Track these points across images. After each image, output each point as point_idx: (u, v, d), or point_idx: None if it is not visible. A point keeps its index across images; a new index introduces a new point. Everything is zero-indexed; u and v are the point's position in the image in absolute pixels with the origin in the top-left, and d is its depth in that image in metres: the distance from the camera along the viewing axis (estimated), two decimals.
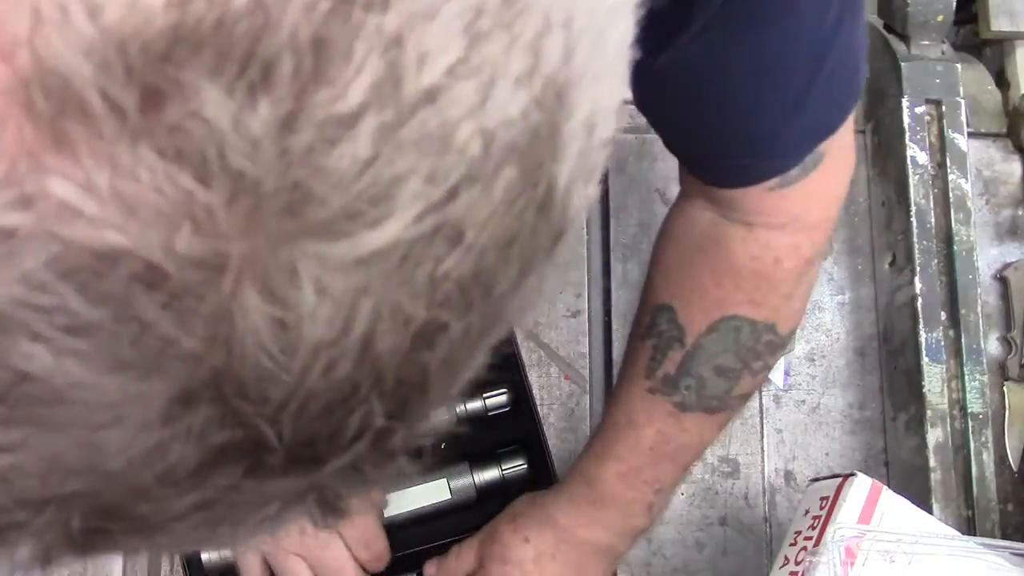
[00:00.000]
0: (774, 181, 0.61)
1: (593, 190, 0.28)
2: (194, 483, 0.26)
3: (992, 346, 0.92)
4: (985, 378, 0.86)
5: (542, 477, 0.83)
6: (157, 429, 0.24)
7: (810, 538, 0.70)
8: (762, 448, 0.91)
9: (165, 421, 0.24)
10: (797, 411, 0.92)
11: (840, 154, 0.63)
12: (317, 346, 0.24)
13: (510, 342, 0.86)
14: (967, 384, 0.86)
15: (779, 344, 0.69)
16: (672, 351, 0.69)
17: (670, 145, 0.65)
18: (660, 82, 0.52)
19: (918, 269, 0.88)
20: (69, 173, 0.21)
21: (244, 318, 0.23)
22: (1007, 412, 0.90)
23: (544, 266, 0.28)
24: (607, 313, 0.92)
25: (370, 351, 0.24)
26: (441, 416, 0.29)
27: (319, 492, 0.28)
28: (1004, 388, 0.91)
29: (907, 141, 0.91)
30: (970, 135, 0.93)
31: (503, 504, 0.79)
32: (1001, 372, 0.92)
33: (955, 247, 0.89)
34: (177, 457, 0.25)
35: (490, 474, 0.83)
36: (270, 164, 0.22)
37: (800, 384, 0.93)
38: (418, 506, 0.82)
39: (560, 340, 0.91)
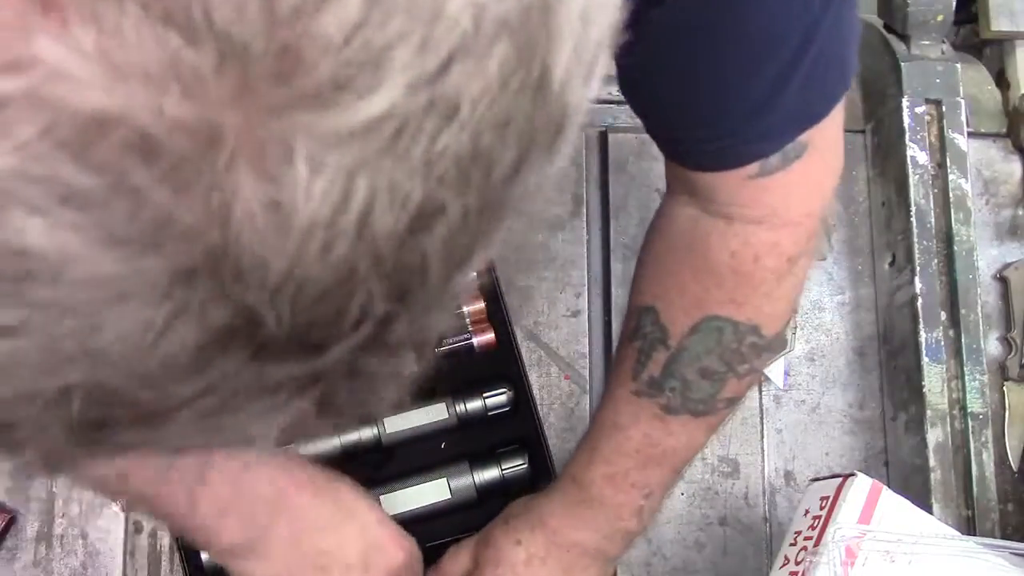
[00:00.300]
0: (754, 168, 0.60)
1: (591, 92, 0.28)
2: (196, 367, 0.25)
3: (992, 346, 0.92)
4: (985, 378, 0.86)
5: (542, 477, 0.83)
6: (156, 309, 0.24)
7: (810, 538, 0.70)
8: (762, 448, 0.91)
9: (164, 301, 0.24)
10: (797, 411, 0.92)
11: (825, 148, 0.63)
12: (312, 225, 0.23)
13: (510, 342, 0.86)
14: (967, 384, 0.86)
15: (763, 346, 0.69)
16: (656, 353, 0.69)
17: (653, 129, 0.64)
18: (649, 44, 0.52)
19: (918, 269, 0.88)
20: (57, 34, 0.21)
21: (238, 195, 0.23)
22: (1007, 412, 0.90)
23: (544, 161, 0.27)
24: (607, 313, 0.92)
25: (367, 231, 0.24)
26: (444, 318, 0.29)
27: (324, 384, 0.28)
28: (1004, 388, 0.91)
29: (907, 141, 0.91)
30: (970, 135, 0.93)
31: (503, 504, 0.79)
32: (1001, 372, 0.92)
33: (955, 247, 0.89)
34: (178, 339, 0.24)
35: (490, 474, 0.83)
36: (257, 25, 0.22)
37: (800, 384, 0.93)
38: (418, 506, 0.82)
39: (560, 340, 0.91)
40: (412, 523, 0.80)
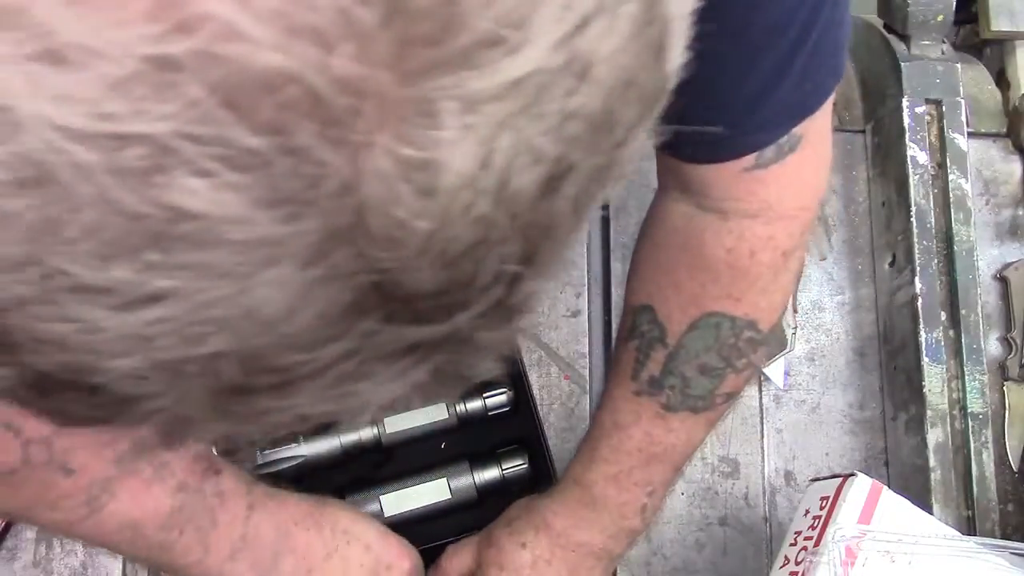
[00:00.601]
0: (749, 160, 0.60)
1: (679, 62, 0.28)
2: (340, 329, 0.25)
3: (992, 346, 0.92)
4: (985, 378, 0.86)
5: (542, 477, 0.83)
6: (306, 270, 0.24)
7: (810, 538, 0.70)
8: (762, 448, 0.91)
9: (314, 262, 0.24)
10: (797, 411, 0.92)
11: (818, 141, 0.63)
12: (457, 186, 0.23)
13: None
14: (967, 384, 0.86)
15: (760, 341, 0.69)
16: (655, 351, 0.69)
17: None
18: None
19: (918, 269, 0.88)
20: None
21: (387, 155, 0.23)
22: (1007, 412, 0.90)
23: (646, 126, 0.27)
24: (607, 313, 0.92)
25: (506, 190, 0.24)
26: (550, 286, 0.29)
27: (444, 351, 0.28)
28: (1004, 388, 0.91)
29: (907, 141, 0.91)
30: (970, 135, 0.93)
31: (503, 504, 0.79)
32: (1001, 372, 0.92)
33: (955, 247, 0.89)
34: (325, 301, 0.24)
35: (490, 474, 0.83)
36: None
37: (800, 384, 0.93)
38: (419, 506, 0.82)
39: (560, 340, 0.91)
40: (412, 523, 0.80)
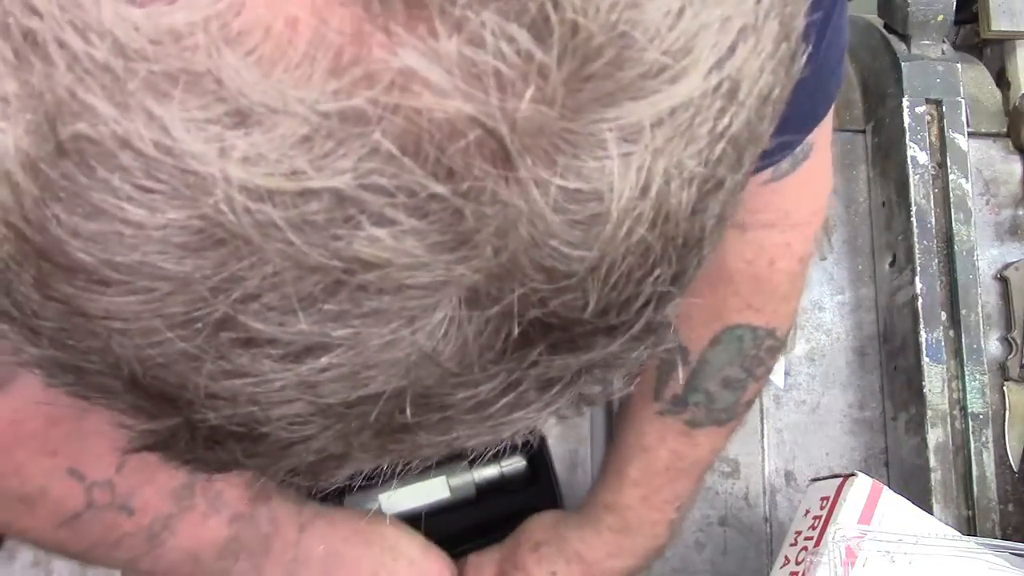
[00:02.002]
0: (766, 173, 0.61)
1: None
2: (506, 363, 0.26)
3: (992, 346, 0.92)
4: (985, 378, 0.86)
5: (541, 474, 0.83)
6: (475, 309, 0.24)
7: (811, 538, 0.70)
8: (762, 448, 0.91)
9: (482, 299, 0.24)
10: (797, 411, 0.92)
11: (824, 146, 0.63)
12: (620, 215, 0.24)
13: None
14: (967, 384, 0.86)
15: (779, 347, 0.69)
16: (676, 369, 0.69)
17: None
18: None
19: (918, 269, 0.88)
20: (416, 44, 0.21)
21: (554, 187, 0.23)
22: (1007, 412, 0.90)
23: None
24: None
25: (662, 214, 0.24)
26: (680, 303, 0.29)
27: (591, 374, 0.28)
28: (1004, 388, 0.91)
29: (907, 141, 0.91)
30: (970, 135, 0.93)
31: (502, 501, 0.79)
32: (1001, 372, 0.91)
33: (955, 247, 0.88)
34: (492, 336, 0.25)
35: (489, 471, 0.83)
36: (601, 15, 0.22)
37: (800, 384, 0.93)
38: (417, 504, 0.82)
39: None
40: (411, 521, 0.80)
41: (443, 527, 0.82)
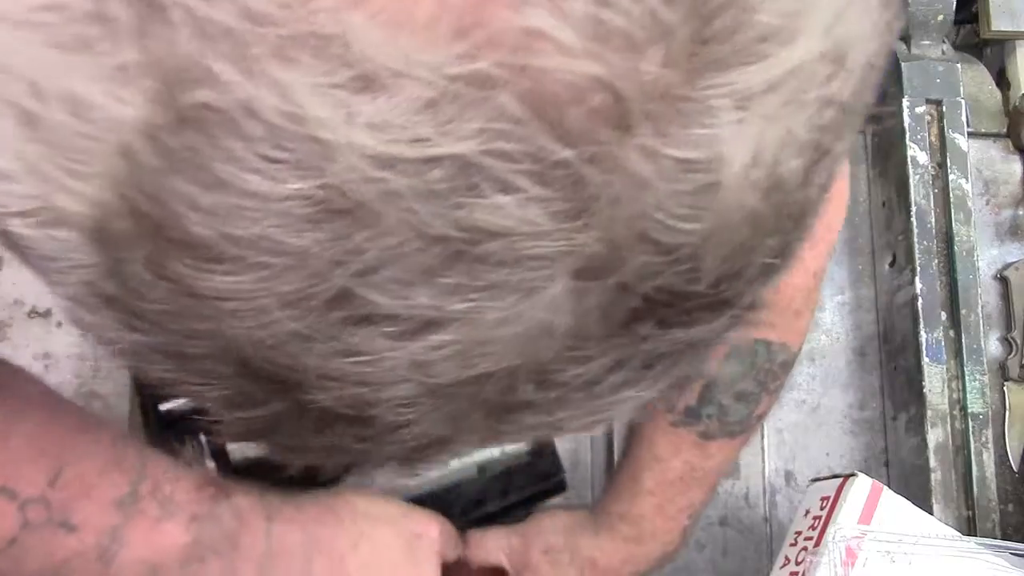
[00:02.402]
0: None
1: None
2: (618, 338, 0.25)
3: (992, 346, 0.92)
4: (985, 378, 0.86)
5: (544, 450, 0.82)
6: (590, 280, 0.23)
7: (810, 538, 0.70)
8: (762, 448, 0.91)
9: (598, 271, 0.23)
10: (797, 411, 0.92)
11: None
12: (734, 183, 0.23)
13: None
14: (967, 384, 0.86)
15: (791, 362, 0.69)
16: (691, 383, 0.69)
17: None
18: None
19: (918, 269, 0.88)
20: (543, 2, 0.20)
21: (670, 155, 0.22)
22: (1007, 412, 0.90)
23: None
24: None
25: (773, 182, 0.24)
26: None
27: (693, 352, 0.28)
28: (1004, 388, 0.91)
29: (907, 141, 0.91)
30: (970, 135, 0.93)
31: (504, 479, 0.78)
32: (1001, 372, 0.91)
33: (955, 247, 0.88)
34: (605, 309, 0.24)
35: (490, 451, 0.82)
36: None
37: (800, 384, 0.93)
38: (416, 482, 0.80)
39: None
40: (414, 502, 0.78)
41: (443, 505, 0.80)
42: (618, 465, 0.77)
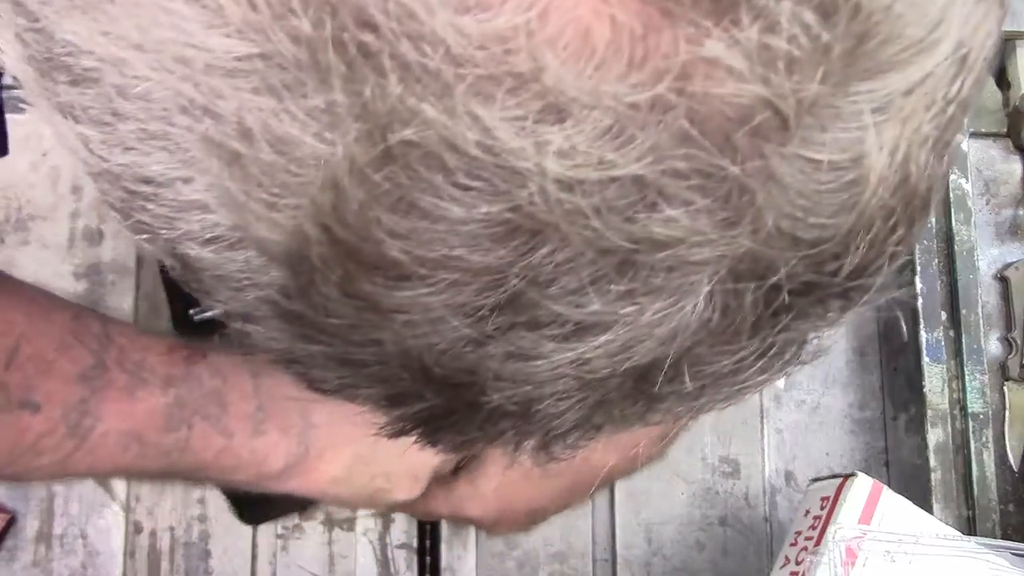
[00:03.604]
0: None
1: None
2: (764, 328, 0.27)
3: (993, 346, 0.92)
4: (986, 378, 0.86)
5: None
6: (746, 279, 0.25)
7: (811, 538, 0.70)
8: (762, 448, 0.91)
9: (753, 269, 0.25)
10: (797, 411, 0.92)
11: None
12: (874, 185, 0.25)
13: None
14: (967, 384, 0.86)
15: None
16: None
17: None
18: None
19: (918, 269, 0.88)
20: (721, 34, 0.22)
21: (816, 159, 0.24)
22: (1008, 412, 0.90)
23: None
24: None
25: (903, 177, 0.26)
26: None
27: (816, 334, 0.30)
28: (1005, 388, 0.91)
29: None
30: (970, 135, 0.93)
31: None
32: (1002, 372, 0.91)
33: (955, 247, 0.88)
34: (757, 302, 0.26)
35: None
36: None
37: (800, 384, 0.93)
38: None
39: None
40: None
41: None
42: None
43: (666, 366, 0.27)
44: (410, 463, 0.69)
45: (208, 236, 0.26)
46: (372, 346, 0.26)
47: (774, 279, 0.26)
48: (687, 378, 0.28)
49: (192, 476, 0.66)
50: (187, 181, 0.25)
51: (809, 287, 0.27)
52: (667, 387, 0.28)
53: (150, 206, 0.26)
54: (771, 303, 0.27)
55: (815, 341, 0.32)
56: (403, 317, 0.25)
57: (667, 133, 0.23)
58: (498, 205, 0.23)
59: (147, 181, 0.25)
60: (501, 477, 0.74)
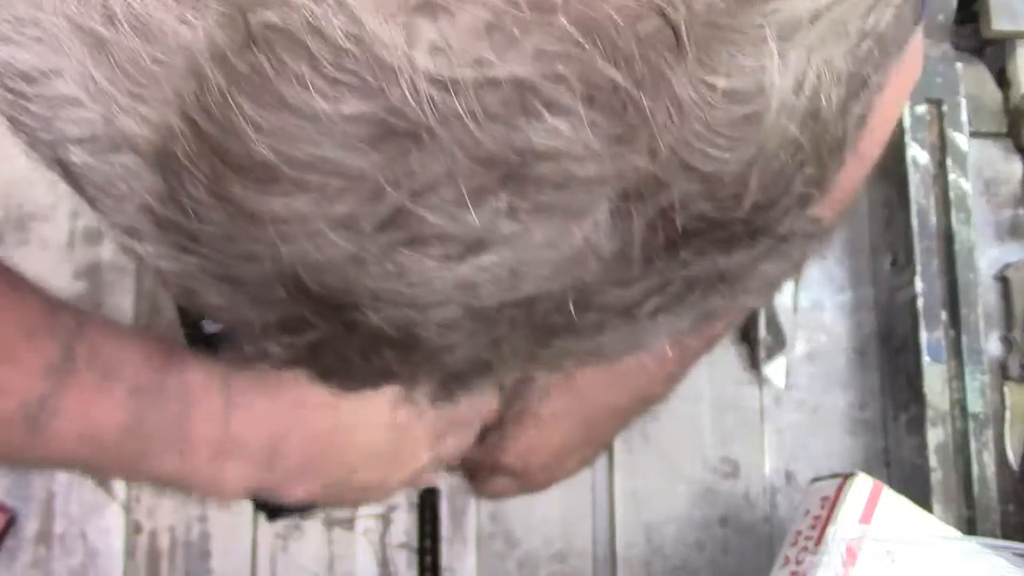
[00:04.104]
0: None
1: None
2: (658, 260, 0.26)
3: (993, 346, 0.92)
4: (986, 378, 0.86)
5: None
6: (632, 203, 0.24)
7: (811, 538, 0.70)
8: (762, 448, 0.91)
9: (639, 194, 0.24)
10: (797, 411, 0.92)
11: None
12: (776, 113, 0.24)
13: None
14: (968, 384, 0.86)
15: (817, 233, 0.68)
16: None
17: None
18: None
19: (918, 269, 0.88)
20: None
21: (714, 83, 0.23)
22: (1008, 412, 0.90)
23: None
24: None
25: (811, 111, 0.25)
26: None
27: (724, 283, 0.28)
28: (1005, 388, 0.91)
29: (908, 141, 0.91)
30: (971, 135, 0.93)
31: None
32: (1002, 372, 0.91)
33: (955, 247, 0.88)
34: (646, 232, 0.25)
35: None
36: None
37: (800, 384, 0.93)
38: None
39: None
40: None
41: None
42: None
43: (558, 297, 0.26)
44: (400, 474, 0.68)
45: (83, 135, 0.25)
46: (249, 261, 0.25)
47: (668, 206, 0.25)
48: (580, 311, 0.26)
49: (154, 484, 0.65)
50: (59, 73, 0.24)
51: (708, 222, 0.25)
52: (560, 320, 0.26)
53: (30, 106, 0.25)
54: (667, 234, 0.25)
55: (742, 299, 0.30)
56: (277, 228, 0.24)
57: (550, 35, 0.21)
58: (370, 104, 0.22)
59: (24, 76, 0.24)
60: (523, 422, 0.74)
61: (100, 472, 0.72)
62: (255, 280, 0.26)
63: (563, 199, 0.23)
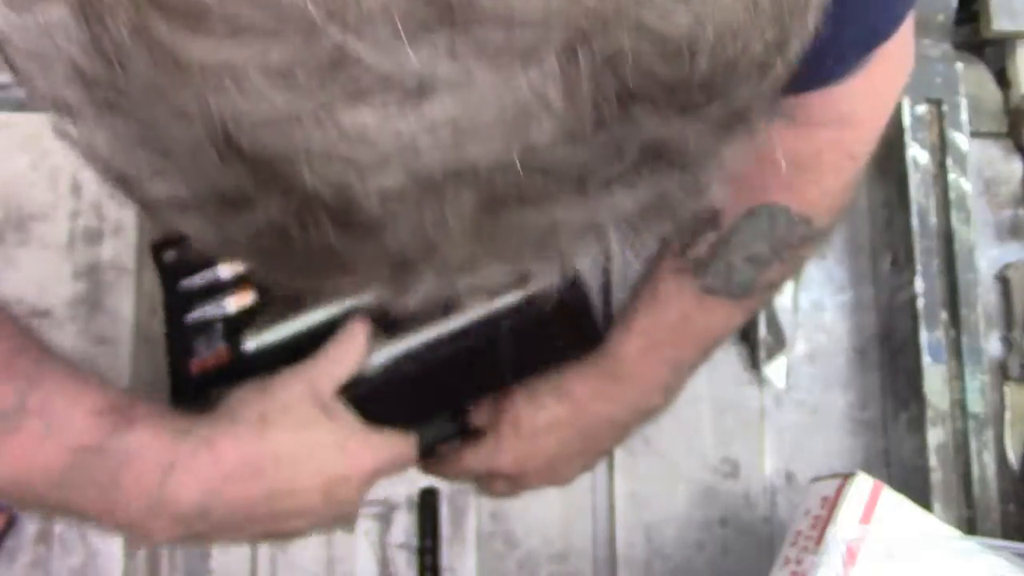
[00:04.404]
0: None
1: None
2: (610, 123, 0.25)
3: (993, 346, 0.92)
4: (986, 378, 0.86)
5: (580, 315, 0.74)
6: (586, 54, 0.23)
7: (811, 538, 0.70)
8: (762, 448, 0.91)
9: (592, 45, 0.23)
10: (798, 411, 0.92)
11: (893, 50, 0.60)
12: None
13: None
14: (968, 384, 0.86)
15: (811, 237, 0.68)
16: (706, 234, 0.69)
17: None
18: None
19: (919, 269, 0.88)
20: None
21: None
22: (1008, 412, 0.90)
23: None
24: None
25: None
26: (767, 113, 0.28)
27: (677, 171, 0.27)
28: (1005, 388, 0.91)
29: (908, 141, 0.91)
30: (971, 135, 0.93)
31: (533, 340, 0.74)
32: (1002, 372, 0.91)
33: (956, 247, 0.88)
34: (600, 87, 0.24)
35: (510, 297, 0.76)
36: None
37: (800, 384, 0.93)
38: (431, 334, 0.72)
39: None
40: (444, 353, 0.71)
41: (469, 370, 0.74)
42: (623, 309, 0.76)
43: (506, 163, 0.24)
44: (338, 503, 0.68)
45: None
46: (178, 119, 0.24)
47: (618, 53, 0.23)
48: (529, 176, 0.25)
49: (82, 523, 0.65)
50: None
51: (660, 84, 0.24)
52: (509, 188, 0.25)
53: None
54: (618, 89, 0.24)
55: (701, 194, 0.29)
56: (211, 77, 0.23)
57: None
58: None
59: None
60: (519, 431, 0.74)
61: (26, 508, 0.74)
62: (186, 144, 0.25)
63: (507, 39, 0.22)
